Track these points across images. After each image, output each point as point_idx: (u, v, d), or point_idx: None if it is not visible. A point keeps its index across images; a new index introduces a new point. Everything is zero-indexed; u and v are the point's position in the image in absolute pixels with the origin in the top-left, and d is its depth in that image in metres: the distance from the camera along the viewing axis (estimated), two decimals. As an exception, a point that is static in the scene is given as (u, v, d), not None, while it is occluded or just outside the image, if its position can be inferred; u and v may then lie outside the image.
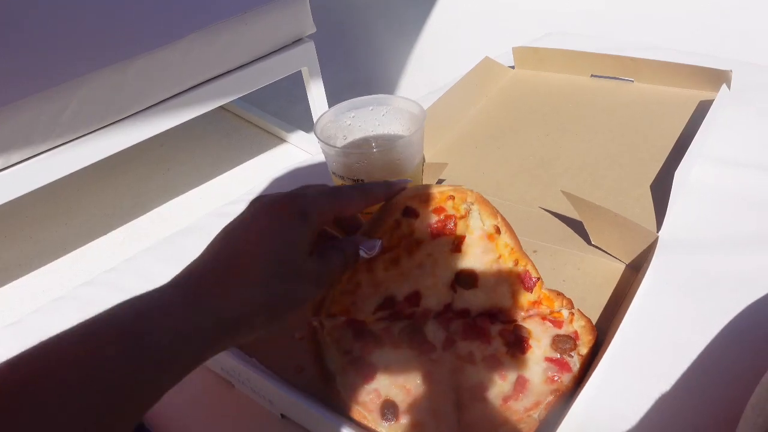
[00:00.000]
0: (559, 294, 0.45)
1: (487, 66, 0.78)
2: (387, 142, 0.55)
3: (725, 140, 0.63)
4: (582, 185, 0.59)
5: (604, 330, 0.43)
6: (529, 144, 0.67)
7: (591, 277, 0.49)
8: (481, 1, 2.25)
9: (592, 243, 0.51)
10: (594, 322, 0.44)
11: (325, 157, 0.54)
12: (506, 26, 2.05)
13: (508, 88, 0.79)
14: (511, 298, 0.44)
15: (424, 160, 0.55)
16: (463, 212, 0.44)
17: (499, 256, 0.44)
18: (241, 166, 1.75)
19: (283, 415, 0.43)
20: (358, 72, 2.14)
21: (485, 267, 0.44)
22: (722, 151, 0.61)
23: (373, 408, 0.39)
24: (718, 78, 0.67)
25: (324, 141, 0.52)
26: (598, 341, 0.42)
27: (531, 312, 0.44)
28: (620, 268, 0.49)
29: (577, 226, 0.53)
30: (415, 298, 0.42)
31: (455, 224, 0.44)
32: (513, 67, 0.82)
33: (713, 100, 0.63)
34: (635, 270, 0.47)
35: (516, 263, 0.44)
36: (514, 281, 0.44)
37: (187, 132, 1.73)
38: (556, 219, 0.55)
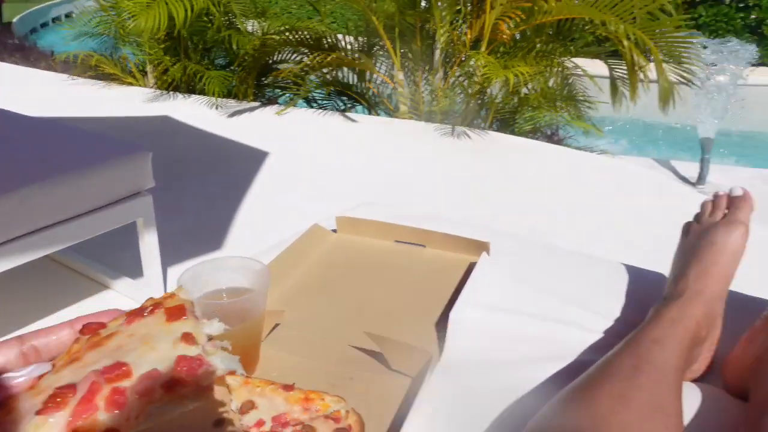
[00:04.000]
0: (327, 395, 0.60)
1: (315, 231, 0.98)
2: (237, 295, 0.69)
3: (485, 289, 0.86)
4: (389, 326, 0.77)
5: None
6: (347, 295, 0.86)
7: (394, 392, 0.66)
8: (302, 167, 2.56)
9: (392, 368, 0.69)
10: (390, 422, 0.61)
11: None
12: (322, 189, 2.34)
13: (332, 250, 0.98)
14: (288, 405, 0.58)
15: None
16: None
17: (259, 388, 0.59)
18: (61, 312, 1.71)
19: None
20: (188, 222, 2.25)
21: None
22: (482, 298, 0.84)
23: None
24: (481, 247, 0.93)
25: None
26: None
27: (318, 412, 0.60)
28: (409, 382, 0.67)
29: (381, 357, 0.70)
30: None
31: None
32: (335, 231, 1.03)
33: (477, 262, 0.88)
34: (420, 381, 0.65)
35: (267, 385, 0.59)
36: (279, 395, 0.59)
37: (10, 278, 1.67)
38: (366, 354, 0.72)
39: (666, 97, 3.10)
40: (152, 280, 1.64)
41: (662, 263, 0.87)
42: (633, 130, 4.79)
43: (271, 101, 4.13)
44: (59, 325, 0.41)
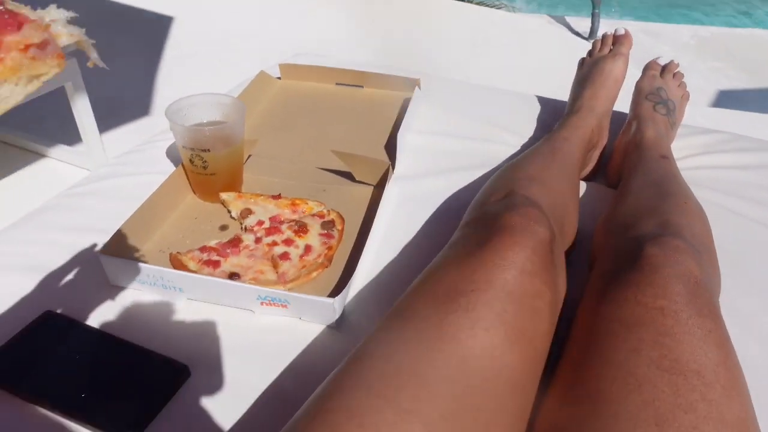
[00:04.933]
0: (309, 200, 0.78)
1: (262, 77, 1.06)
2: (219, 124, 0.79)
3: (421, 119, 1.01)
4: (346, 150, 0.90)
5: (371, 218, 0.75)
6: (304, 129, 0.98)
7: (361, 197, 0.81)
8: (216, 31, 2.50)
9: (357, 179, 0.83)
10: (362, 219, 0.77)
11: (175, 135, 0.76)
12: (243, 51, 2.34)
13: (279, 93, 1.08)
14: (279, 209, 0.77)
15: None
16: None
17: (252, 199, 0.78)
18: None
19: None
20: (111, 90, 2.20)
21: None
22: (419, 125, 0.99)
23: (224, 277, 0.65)
24: (413, 84, 1.06)
25: (174, 121, 0.74)
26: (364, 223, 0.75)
27: (305, 213, 0.76)
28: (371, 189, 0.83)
29: (346, 173, 0.84)
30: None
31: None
32: (279, 78, 1.12)
33: (411, 97, 1.01)
34: (381, 189, 0.81)
35: (258, 196, 0.78)
36: (270, 202, 0.78)
37: None
38: (332, 173, 0.86)
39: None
40: (91, 144, 1.62)
41: (563, 97, 1.06)
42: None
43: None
44: None
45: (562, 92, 1.07)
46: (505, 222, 0.55)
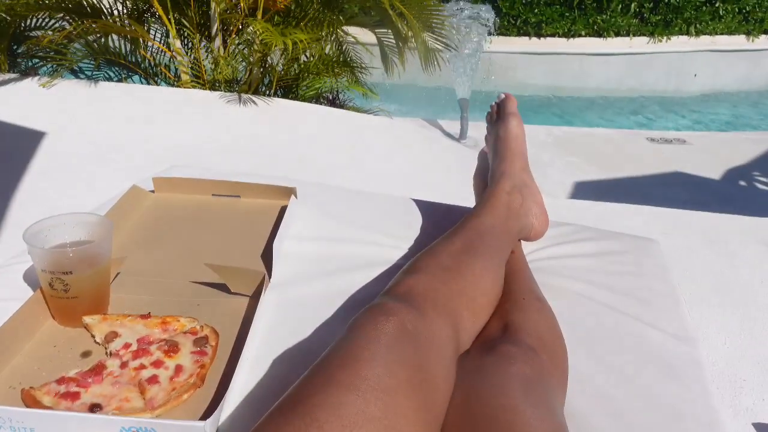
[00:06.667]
0: (181, 317, 0.76)
1: (134, 192, 1.05)
2: (84, 244, 0.76)
3: (298, 226, 1.03)
4: (221, 262, 0.89)
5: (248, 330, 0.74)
6: (177, 243, 0.96)
7: (237, 310, 0.80)
8: (89, 143, 2.45)
9: (232, 291, 0.82)
10: (237, 332, 0.75)
11: (33, 258, 0.72)
12: (116, 162, 2.30)
13: (153, 207, 1.06)
14: (148, 329, 0.74)
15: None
16: None
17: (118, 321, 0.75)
18: None
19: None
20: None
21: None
22: (296, 232, 1.01)
23: (84, 410, 0.61)
24: (289, 192, 1.09)
25: (33, 244, 0.71)
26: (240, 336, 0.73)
27: (176, 331, 0.73)
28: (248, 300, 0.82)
29: (221, 286, 0.83)
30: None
31: None
32: (153, 191, 1.10)
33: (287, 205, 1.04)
34: (256, 298, 0.80)
35: (125, 317, 0.75)
36: (138, 323, 0.75)
37: None
38: (207, 286, 0.84)
39: (427, 61, 3.52)
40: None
41: (436, 199, 1.13)
42: (405, 93, 5.26)
43: (28, 72, 3.74)
44: None
45: (434, 193, 1.14)
46: (353, 323, 0.60)
